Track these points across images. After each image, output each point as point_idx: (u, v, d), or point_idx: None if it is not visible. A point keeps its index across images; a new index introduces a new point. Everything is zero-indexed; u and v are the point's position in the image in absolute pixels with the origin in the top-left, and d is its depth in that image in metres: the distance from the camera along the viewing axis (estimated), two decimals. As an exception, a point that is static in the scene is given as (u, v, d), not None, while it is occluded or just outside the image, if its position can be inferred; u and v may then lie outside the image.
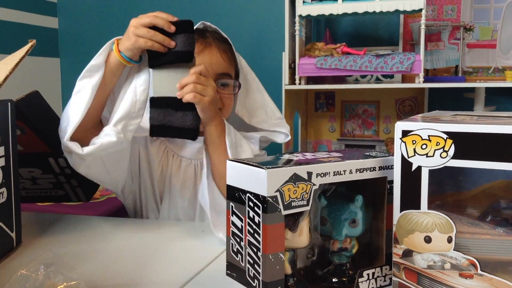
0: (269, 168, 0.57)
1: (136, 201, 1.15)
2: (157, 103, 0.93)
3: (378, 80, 2.00)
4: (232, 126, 1.22)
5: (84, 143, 0.95)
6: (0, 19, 2.14)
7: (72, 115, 0.94)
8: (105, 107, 1.01)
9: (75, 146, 0.93)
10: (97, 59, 0.95)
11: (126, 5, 2.40)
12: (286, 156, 0.65)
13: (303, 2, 1.73)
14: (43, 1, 2.41)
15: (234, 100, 1.12)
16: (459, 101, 1.95)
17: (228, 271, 0.64)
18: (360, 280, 0.65)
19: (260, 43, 2.15)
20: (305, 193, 0.59)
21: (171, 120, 0.92)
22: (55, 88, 2.49)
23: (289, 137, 1.13)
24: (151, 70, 0.95)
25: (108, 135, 0.94)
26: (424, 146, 0.60)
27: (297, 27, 1.74)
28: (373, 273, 0.66)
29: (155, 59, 0.93)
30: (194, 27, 1.09)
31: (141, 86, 0.95)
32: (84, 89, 0.95)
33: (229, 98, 1.09)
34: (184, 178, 1.10)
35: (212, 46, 1.08)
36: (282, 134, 1.13)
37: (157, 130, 0.93)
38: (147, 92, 0.96)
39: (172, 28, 0.92)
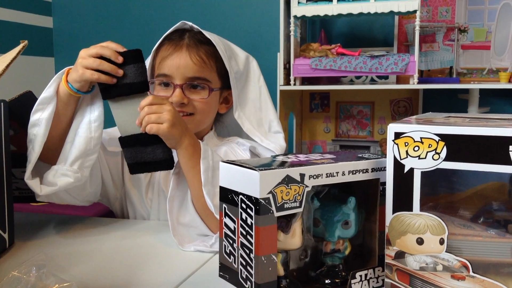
0: (262, 170, 0.57)
1: (123, 207, 1.14)
2: (126, 143, 0.92)
3: (372, 81, 2.00)
4: (227, 128, 1.21)
5: (54, 160, 0.95)
6: (-6, 18, 2.14)
7: (30, 153, 0.93)
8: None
9: (34, 185, 0.92)
10: (48, 91, 0.93)
11: (121, 4, 2.39)
12: (280, 158, 0.65)
13: (298, 2, 1.73)
14: (38, 1, 2.40)
15: (234, 102, 1.10)
16: (453, 102, 1.96)
17: (220, 273, 0.64)
18: (352, 281, 0.65)
19: (255, 44, 2.15)
20: (297, 194, 0.59)
21: (144, 156, 0.91)
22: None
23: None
24: (109, 102, 0.93)
25: (65, 176, 0.93)
26: (416, 148, 0.60)
27: (292, 27, 1.75)
28: (366, 275, 0.66)
29: (107, 92, 0.91)
30: (175, 26, 1.08)
31: (95, 122, 0.94)
32: (38, 124, 0.93)
33: (203, 102, 1.05)
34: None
35: (182, 49, 1.04)
36: (272, 152, 1.09)
37: (135, 168, 0.92)
38: (101, 127, 0.95)
39: (120, 59, 0.90)
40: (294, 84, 1.77)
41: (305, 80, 1.88)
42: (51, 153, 0.96)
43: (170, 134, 0.89)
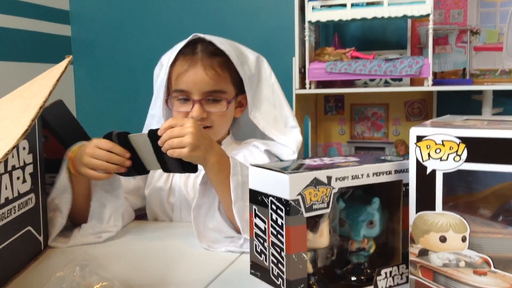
0: (291, 173, 0.60)
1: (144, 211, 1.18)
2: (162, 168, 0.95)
3: (386, 83, 2.03)
4: (242, 129, 1.24)
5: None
6: (13, 27, 2.19)
7: (51, 225, 0.97)
8: None
9: (59, 244, 0.96)
10: (62, 180, 0.97)
11: (138, 12, 2.44)
12: (306, 161, 0.68)
13: (313, 8, 1.76)
14: (56, 9, 2.45)
15: (249, 105, 1.13)
16: (467, 103, 1.98)
17: (252, 270, 0.67)
18: (378, 278, 0.68)
19: (270, 49, 2.18)
20: (325, 196, 0.62)
21: (169, 168, 0.94)
22: (69, 95, 2.54)
23: (295, 155, 1.11)
24: None
25: (107, 232, 0.99)
26: (438, 151, 0.63)
27: (306, 32, 1.78)
28: (391, 272, 0.69)
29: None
30: (187, 40, 1.10)
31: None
32: (59, 210, 0.98)
33: (220, 115, 1.09)
34: (193, 189, 1.11)
35: (197, 65, 1.07)
36: (289, 149, 1.12)
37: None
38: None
39: (127, 155, 0.93)
40: (310, 88, 1.80)
41: (319, 84, 1.91)
42: (74, 217, 1.02)
43: (193, 157, 0.89)
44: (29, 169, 0.87)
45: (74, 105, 2.55)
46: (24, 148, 0.85)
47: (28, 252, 0.87)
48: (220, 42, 1.10)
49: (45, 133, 1.05)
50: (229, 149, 1.14)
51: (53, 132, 1.06)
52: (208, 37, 1.12)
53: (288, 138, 1.13)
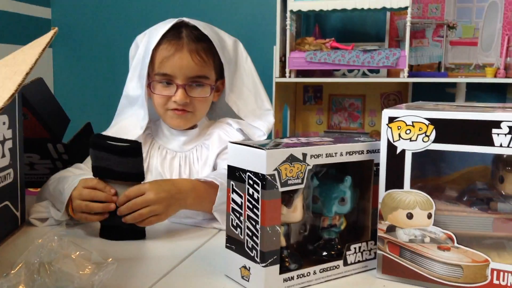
0: (268, 149, 0.62)
1: None
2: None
3: (364, 75, 2.07)
4: (216, 112, 1.24)
5: None
6: (-7, 8, 2.16)
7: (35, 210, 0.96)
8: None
9: (37, 223, 0.95)
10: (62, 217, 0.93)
11: (119, -4, 2.43)
12: (284, 140, 0.71)
13: (294, -3, 1.79)
14: (36, -9, 2.42)
15: (226, 89, 1.14)
16: (441, 96, 2.03)
17: (227, 244, 0.70)
18: (347, 253, 0.71)
19: (252, 37, 2.20)
20: (300, 172, 0.65)
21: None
22: (48, 78, 2.51)
23: (265, 136, 1.13)
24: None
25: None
26: (408, 131, 0.66)
27: (288, 22, 1.80)
28: (360, 247, 0.72)
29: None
30: (173, 23, 1.09)
31: None
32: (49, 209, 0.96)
33: (202, 101, 1.10)
34: (169, 170, 1.14)
35: (183, 49, 1.07)
36: (260, 131, 1.13)
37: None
38: None
39: (112, 206, 0.86)
40: (290, 77, 1.83)
41: (299, 73, 1.94)
42: None
43: (171, 214, 0.89)
44: (8, 144, 0.87)
45: (52, 88, 2.53)
46: (4, 123, 0.85)
47: (5, 226, 0.88)
48: (203, 27, 1.11)
49: (24, 111, 1.06)
50: (204, 128, 1.16)
51: (32, 109, 1.06)
52: (191, 21, 1.12)
53: (260, 121, 1.15)
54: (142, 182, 0.88)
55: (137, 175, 0.87)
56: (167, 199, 0.87)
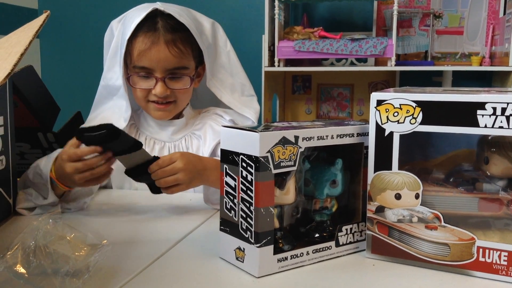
0: (262, 131, 0.64)
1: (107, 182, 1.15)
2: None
3: (352, 64, 2.08)
4: (198, 99, 1.23)
5: None
6: (-22, -3, 2.13)
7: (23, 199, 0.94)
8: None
9: (25, 212, 0.94)
10: (50, 199, 0.93)
11: (106, -14, 2.41)
12: (275, 124, 0.72)
13: (283, -13, 1.79)
14: (22, -19, 2.40)
15: (207, 73, 1.12)
16: (428, 84, 2.06)
17: (221, 227, 0.71)
18: (339, 234, 0.73)
19: (240, 26, 2.20)
20: (292, 154, 0.66)
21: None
22: (35, 69, 2.49)
23: (255, 123, 1.13)
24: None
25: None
26: (395, 114, 0.68)
27: (276, 11, 1.81)
28: (351, 228, 0.74)
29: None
30: (148, 11, 1.06)
31: None
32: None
33: (183, 91, 1.09)
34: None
35: (160, 42, 1.04)
36: (249, 120, 1.14)
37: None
38: None
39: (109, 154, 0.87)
40: (278, 66, 1.84)
41: (288, 62, 1.95)
42: None
43: (192, 187, 0.93)
44: (0, 131, 0.87)
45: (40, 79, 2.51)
46: (-5, 110, 0.86)
47: (-1, 213, 0.88)
48: (179, 14, 1.08)
49: (15, 99, 1.05)
50: (190, 117, 1.16)
51: (22, 97, 1.06)
52: (167, 9, 1.08)
53: (247, 109, 1.15)
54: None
55: (134, 145, 0.87)
56: (193, 172, 0.91)
